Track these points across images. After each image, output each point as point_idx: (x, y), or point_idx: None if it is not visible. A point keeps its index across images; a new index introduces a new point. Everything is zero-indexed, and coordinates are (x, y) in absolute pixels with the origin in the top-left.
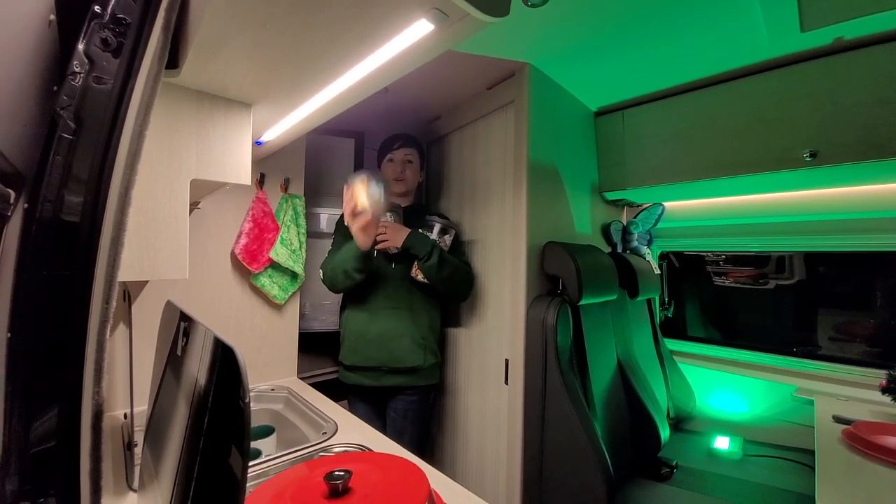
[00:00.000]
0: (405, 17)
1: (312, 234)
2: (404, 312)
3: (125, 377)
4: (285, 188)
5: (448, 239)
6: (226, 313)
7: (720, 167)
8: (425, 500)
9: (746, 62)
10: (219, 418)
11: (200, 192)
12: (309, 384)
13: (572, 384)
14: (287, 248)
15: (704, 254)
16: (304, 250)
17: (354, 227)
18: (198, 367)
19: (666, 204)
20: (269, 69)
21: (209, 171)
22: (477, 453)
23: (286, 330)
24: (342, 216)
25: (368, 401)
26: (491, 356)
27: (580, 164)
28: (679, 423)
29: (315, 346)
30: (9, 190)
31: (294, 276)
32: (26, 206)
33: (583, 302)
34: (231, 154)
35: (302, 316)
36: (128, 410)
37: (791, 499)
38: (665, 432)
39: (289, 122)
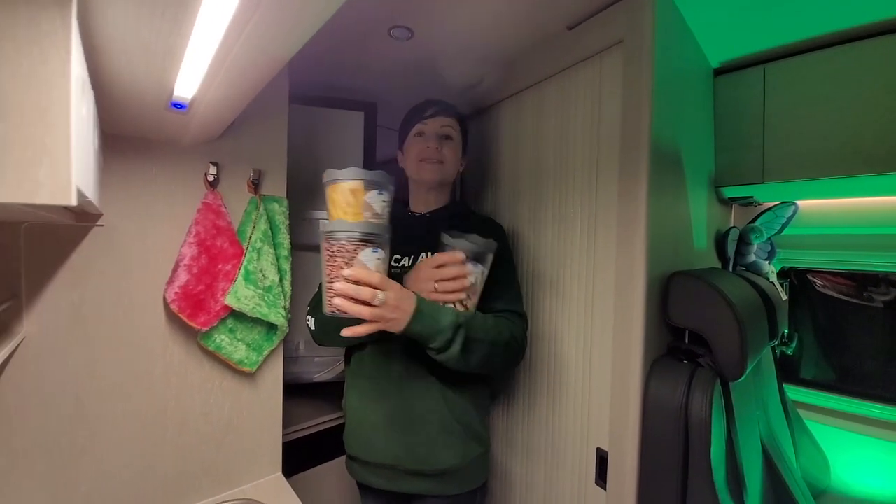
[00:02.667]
0: None
1: (304, 246)
2: (430, 384)
3: None
4: (255, 187)
5: (483, 271)
6: (161, 396)
7: None
8: None
9: None
10: None
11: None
12: (302, 437)
13: None
14: (256, 287)
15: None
16: (286, 283)
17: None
18: None
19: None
20: None
21: None
22: None
23: (263, 408)
24: None
25: (385, 500)
26: (568, 443)
27: (699, 147)
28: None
29: (311, 392)
30: None
31: (271, 327)
32: None
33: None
34: (14, 129)
35: (294, 360)
36: None
37: None
38: None
39: (206, 42)
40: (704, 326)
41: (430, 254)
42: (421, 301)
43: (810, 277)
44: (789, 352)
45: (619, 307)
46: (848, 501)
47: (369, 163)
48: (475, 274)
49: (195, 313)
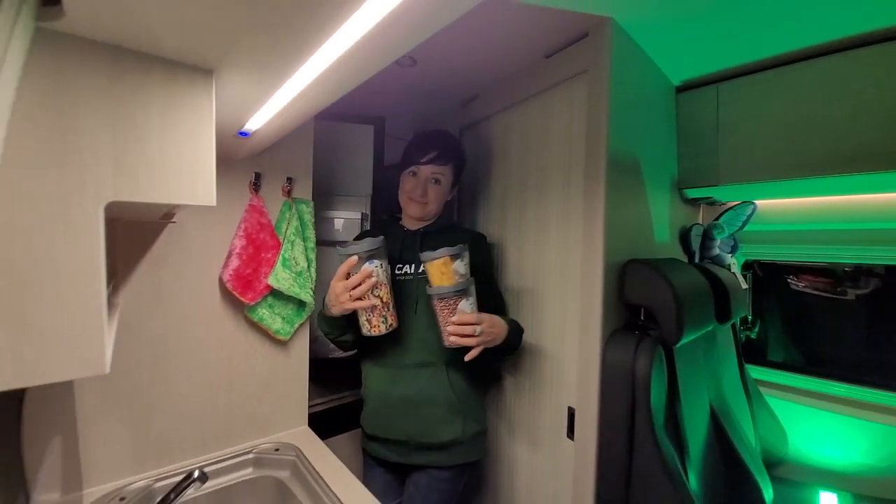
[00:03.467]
0: None
1: (325, 242)
2: (437, 370)
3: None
4: (289, 192)
5: (381, 264)
6: (215, 359)
7: (863, 161)
8: None
9: None
10: None
11: (148, 211)
12: (323, 410)
13: (668, 451)
14: (290, 272)
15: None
16: (313, 269)
17: (353, 305)
18: None
19: (758, 202)
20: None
21: (140, 187)
22: None
23: (294, 371)
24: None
25: (389, 470)
26: (547, 403)
27: (660, 154)
28: (768, 468)
29: (330, 371)
30: None
31: (300, 304)
32: None
33: (682, 342)
34: (181, 154)
35: (314, 340)
36: None
37: None
38: (768, 493)
39: (281, 99)
40: (651, 303)
41: None
42: (507, 321)
43: (792, 279)
44: (752, 335)
45: (583, 289)
46: (804, 469)
47: (377, 169)
48: (375, 270)
49: (244, 291)
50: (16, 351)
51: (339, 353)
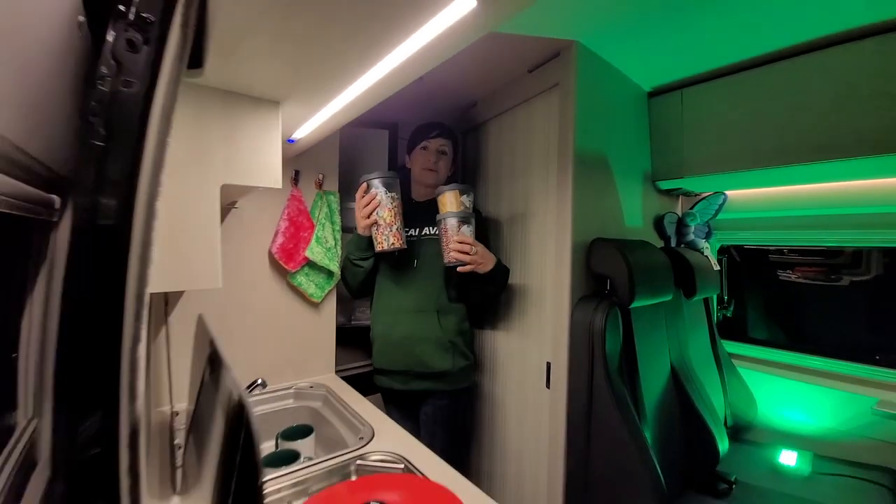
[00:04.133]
0: None
1: (347, 229)
2: (430, 315)
3: (165, 380)
4: (320, 185)
5: (385, 192)
6: (265, 313)
7: (801, 153)
8: None
9: (833, 30)
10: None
11: (234, 194)
12: (346, 377)
13: (620, 392)
14: (322, 247)
15: (768, 247)
16: (339, 247)
17: (364, 222)
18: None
19: (728, 193)
20: (293, 63)
21: (239, 175)
22: (516, 461)
23: (324, 327)
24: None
25: (400, 404)
26: (531, 359)
27: (631, 150)
28: (737, 432)
29: (351, 341)
30: (51, 195)
31: (330, 274)
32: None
33: (635, 304)
34: (260, 156)
35: (338, 312)
36: (180, 406)
37: None
38: (723, 444)
39: (321, 117)
40: (610, 272)
41: (430, 228)
42: (499, 259)
43: (772, 258)
44: (728, 314)
45: (557, 262)
46: (771, 432)
47: (392, 167)
48: (377, 193)
49: (287, 261)
50: (176, 269)
51: (356, 323)
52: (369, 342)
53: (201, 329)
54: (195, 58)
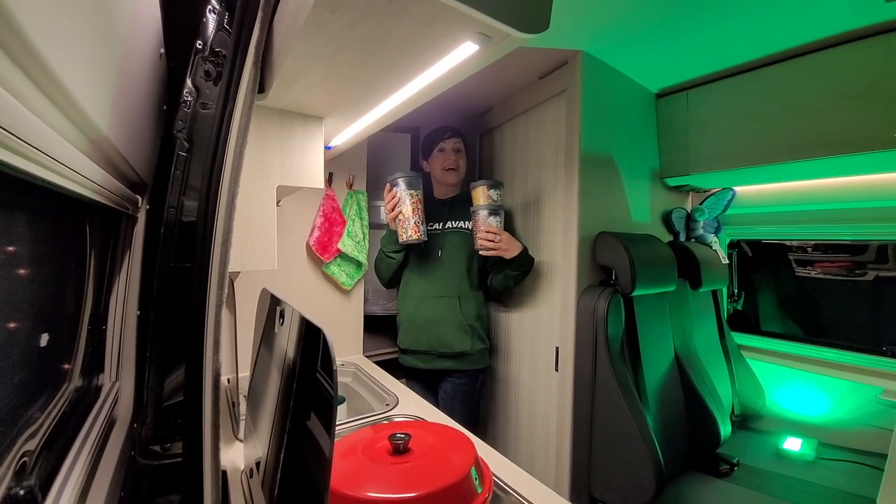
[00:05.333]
0: (452, 42)
1: (374, 225)
2: (452, 300)
3: (230, 350)
4: (351, 185)
5: (404, 189)
6: (303, 297)
7: (799, 149)
8: (472, 463)
9: (826, 34)
10: (305, 385)
11: (283, 193)
12: (372, 362)
13: (622, 374)
14: (353, 240)
15: (787, 242)
16: (367, 241)
17: (389, 216)
18: (287, 342)
19: (738, 189)
20: (337, 91)
21: (290, 178)
22: (526, 437)
23: (353, 312)
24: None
25: (422, 381)
26: (542, 343)
27: (639, 149)
28: (745, 421)
29: (378, 328)
30: (136, 195)
31: (359, 264)
32: (148, 208)
33: (636, 293)
34: (307, 161)
35: (365, 300)
36: (232, 376)
37: None
38: (725, 428)
39: (354, 129)
40: (613, 263)
41: (452, 222)
42: (524, 247)
43: (791, 256)
44: (738, 306)
45: (565, 254)
46: (779, 421)
47: (413, 169)
48: (401, 191)
49: (323, 252)
50: (246, 253)
51: (381, 312)
52: (390, 331)
53: (265, 298)
54: (261, 85)
